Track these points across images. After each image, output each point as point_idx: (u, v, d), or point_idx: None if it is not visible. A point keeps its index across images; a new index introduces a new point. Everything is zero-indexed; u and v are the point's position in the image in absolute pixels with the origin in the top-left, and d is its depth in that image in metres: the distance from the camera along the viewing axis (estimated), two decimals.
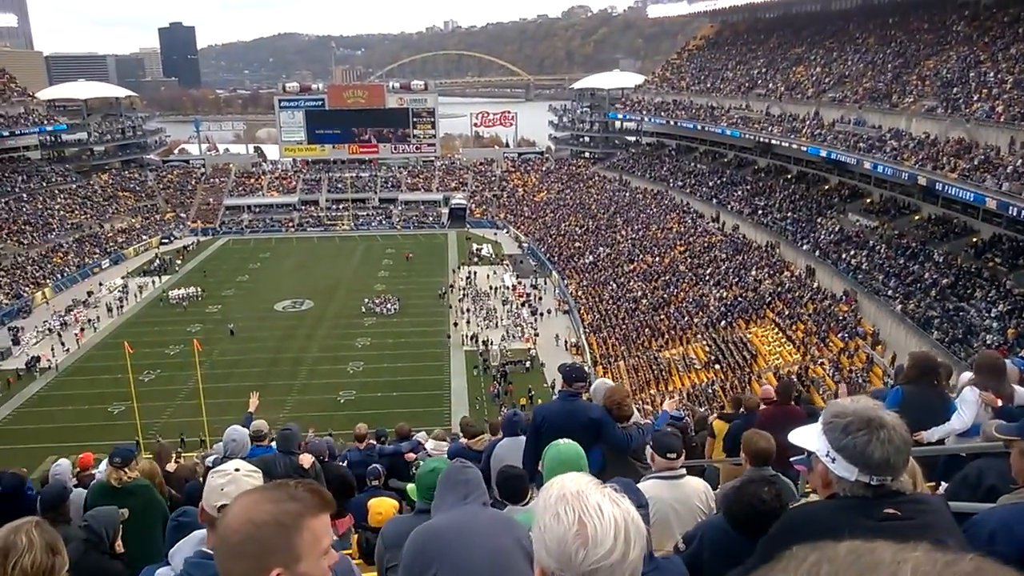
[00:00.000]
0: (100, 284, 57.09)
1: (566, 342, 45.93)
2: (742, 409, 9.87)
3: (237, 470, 2.89)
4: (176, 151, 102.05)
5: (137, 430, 31.23)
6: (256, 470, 2.97)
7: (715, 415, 11.78)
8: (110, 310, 51.94)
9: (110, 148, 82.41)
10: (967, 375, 5.68)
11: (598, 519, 1.36)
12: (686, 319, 43.18)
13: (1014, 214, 29.13)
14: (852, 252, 39.00)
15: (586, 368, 39.85)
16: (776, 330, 37.91)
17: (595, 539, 1.34)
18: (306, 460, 6.52)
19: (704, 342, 40.01)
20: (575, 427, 4.53)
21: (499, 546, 2.62)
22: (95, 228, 67.85)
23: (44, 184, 70.20)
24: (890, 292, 33.73)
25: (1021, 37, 38.30)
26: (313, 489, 1.62)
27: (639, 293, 49.08)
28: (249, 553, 1.50)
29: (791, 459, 4.15)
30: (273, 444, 7.84)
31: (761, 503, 3.38)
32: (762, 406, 9.20)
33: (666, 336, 42.64)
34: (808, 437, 2.22)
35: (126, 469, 5.49)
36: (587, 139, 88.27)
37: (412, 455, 9.52)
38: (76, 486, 6.77)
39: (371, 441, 10.35)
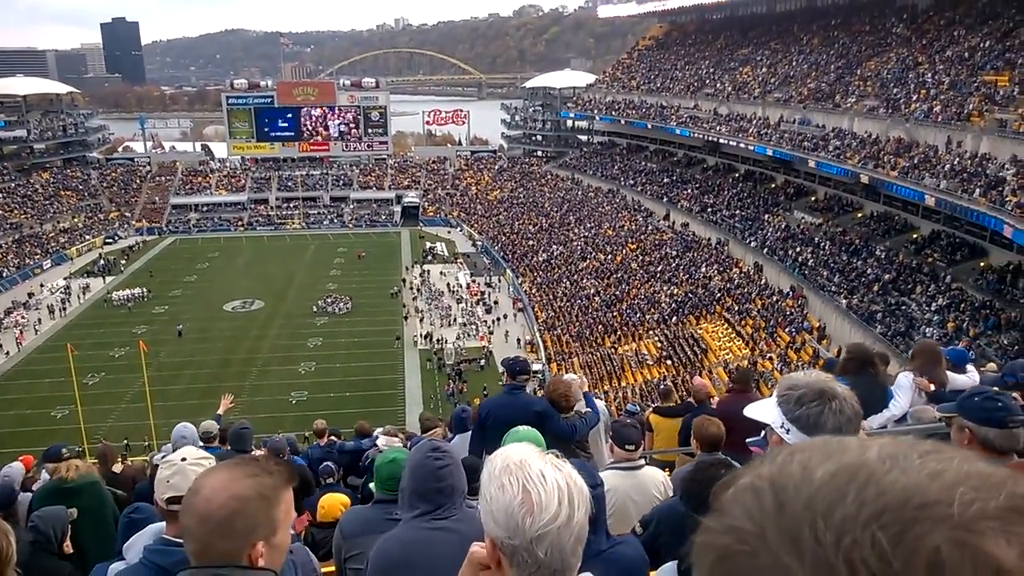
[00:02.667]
0: (41, 285, 55.24)
1: (520, 339, 46.08)
2: (690, 400, 10.02)
3: (183, 459, 2.86)
4: (120, 149, 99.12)
5: (81, 434, 30.27)
6: (208, 456, 2.94)
7: (650, 409, 11.97)
8: (52, 312, 50.30)
9: (51, 146, 79.48)
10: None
11: (542, 486, 1.40)
12: (638, 316, 43.72)
13: (952, 211, 30.29)
14: (798, 249, 39.98)
15: (531, 362, 40.03)
16: (726, 325, 38.65)
17: (540, 505, 1.38)
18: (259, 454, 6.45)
19: (656, 338, 40.56)
20: (519, 420, 4.56)
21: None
22: (36, 228, 65.64)
23: None
24: (834, 288, 34.69)
25: (956, 40, 39.73)
26: (280, 462, 1.67)
27: (592, 290, 49.52)
28: (237, 528, 1.52)
29: (747, 440, 4.27)
30: (223, 445, 7.74)
31: (717, 482, 3.47)
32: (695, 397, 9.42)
33: (619, 332, 43.11)
34: (763, 410, 2.29)
35: (76, 463, 5.37)
36: (539, 138, 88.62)
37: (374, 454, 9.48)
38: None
39: (331, 437, 10.29)
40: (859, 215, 40.46)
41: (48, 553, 4.17)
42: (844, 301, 32.91)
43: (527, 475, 1.42)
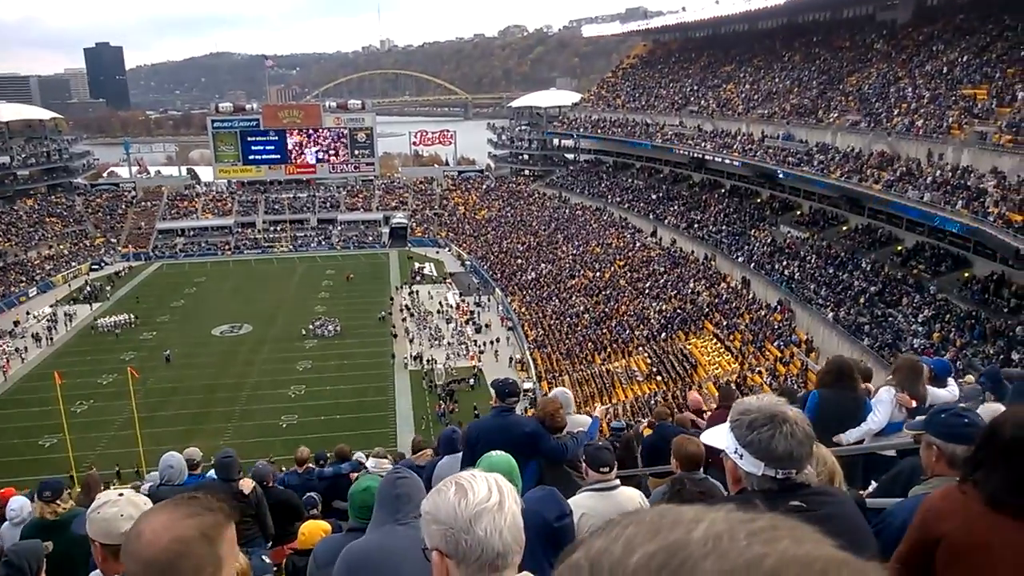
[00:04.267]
0: (27, 313, 54.76)
1: (511, 358, 46.03)
2: (669, 419, 10.00)
3: (121, 495, 2.90)
4: (105, 174, 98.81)
5: (70, 463, 29.98)
6: (143, 497, 2.98)
7: (644, 423, 12.04)
8: (38, 340, 49.81)
9: (34, 172, 78.98)
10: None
11: (471, 479, 1.61)
12: (627, 332, 43.80)
13: (935, 223, 30.61)
14: (785, 263, 40.25)
15: (521, 381, 40.00)
16: (715, 340, 38.77)
17: (472, 489, 1.58)
18: (246, 486, 6.41)
19: (645, 354, 40.62)
20: (510, 441, 4.54)
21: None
22: (20, 255, 65.18)
23: None
24: (821, 301, 34.91)
25: (935, 55, 40.35)
26: (220, 497, 1.67)
27: (581, 308, 49.60)
28: (182, 570, 1.50)
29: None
30: (207, 473, 7.69)
31: (693, 501, 3.47)
32: (681, 414, 9.41)
33: (608, 350, 43.15)
34: (718, 436, 2.31)
35: (58, 501, 5.34)
36: (526, 157, 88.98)
37: (355, 475, 9.39)
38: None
39: (310, 465, 10.17)
40: (844, 228, 40.81)
41: None
42: (831, 314, 33.12)
43: (458, 477, 1.64)
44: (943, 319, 29.06)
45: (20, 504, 5.94)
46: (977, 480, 2.23)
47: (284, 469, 11.58)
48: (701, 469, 4.75)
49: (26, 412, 38.80)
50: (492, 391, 6.03)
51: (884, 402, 5.33)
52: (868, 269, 35.48)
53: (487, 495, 1.56)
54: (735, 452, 2.18)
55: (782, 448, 2.08)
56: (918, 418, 3.95)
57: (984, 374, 7.76)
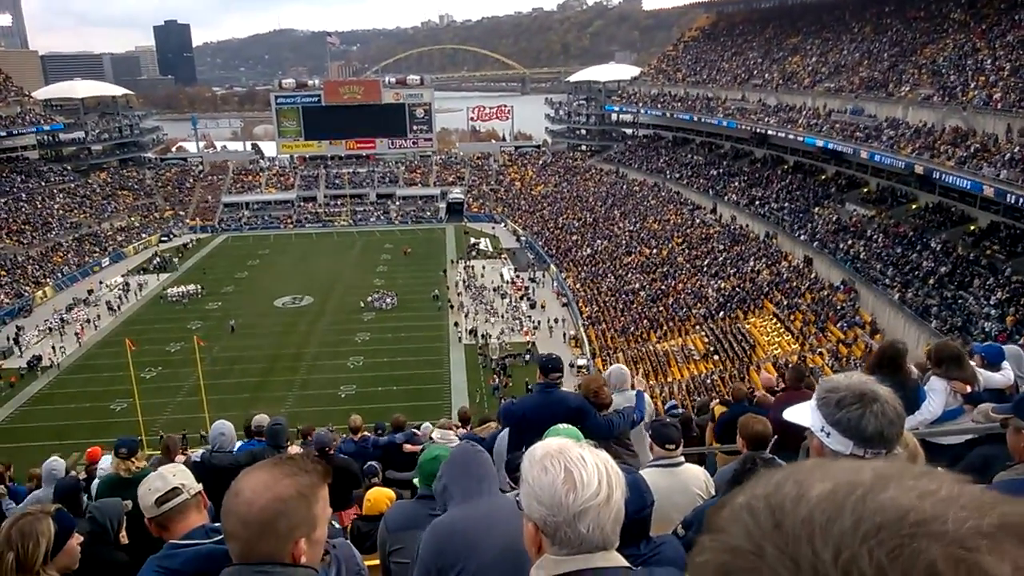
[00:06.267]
0: (100, 282, 57.05)
1: (565, 334, 46.01)
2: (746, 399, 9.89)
3: (157, 471, 3.13)
4: (174, 149, 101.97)
5: (139, 427, 31.29)
6: (176, 468, 3.17)
7: (716, 400, 11.88)
8: (111, 308, 51.94)
9: (107, 147, 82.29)
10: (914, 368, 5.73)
11: (583, 466, 1.51)
12: (684, 310, 43.25)
13: (1012, 201, 29.20)
14: (850, 242, 39.06)
15: (573, 358, 39.92)
16: (774, 320, 38.00)
17: (583, 482, 1.48)
18: (294, 453, 6.57)
19: (703, 333, 40.07)
20: (554, 417, 4.51)
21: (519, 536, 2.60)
22: (94, 227, 67.83)
23: (42, 184, 70.05)
24: (888, 281, 33.81)
25: (1018, 24, 38.26)
26: (315, 460, 1.73)
27: (637, 285, 49.14)
28: (280, 528, 1.56)
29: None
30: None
31: None
32: (757, 394, 9.27)
33: (664, 328, 42.70)
34: (803, 413, 2.24)
35: (133, 459, 5.56)
36: (583, 132, 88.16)
37: (410, 447, 9.53)
38: (85, 479, 6.83)
39: (365, 433, 10.36)
40: (914, 207, 39.33)
41: (104, 543, 4.31)
42: (898, 295, 32.07)
43: (568, 458, 1.53)
44: (1018, 302, 27.82)
45: (109, 462, 6.20)
46: None
47: (341, 437, 11.82)
48: (768, 449, 4.69)
49: (98, 377, 40.63)
50: (538, 367, 6.00)
51: (938, 391, 5.22)
52: (938, 249, 34.16)
53: (596, 490, 1.49)
54: (822, 430, 2.11)
55: (872, 427, 2.01)
56: (997, 405, 3.82)
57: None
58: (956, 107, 35.70)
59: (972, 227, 34.53)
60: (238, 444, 7.28)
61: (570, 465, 1.51)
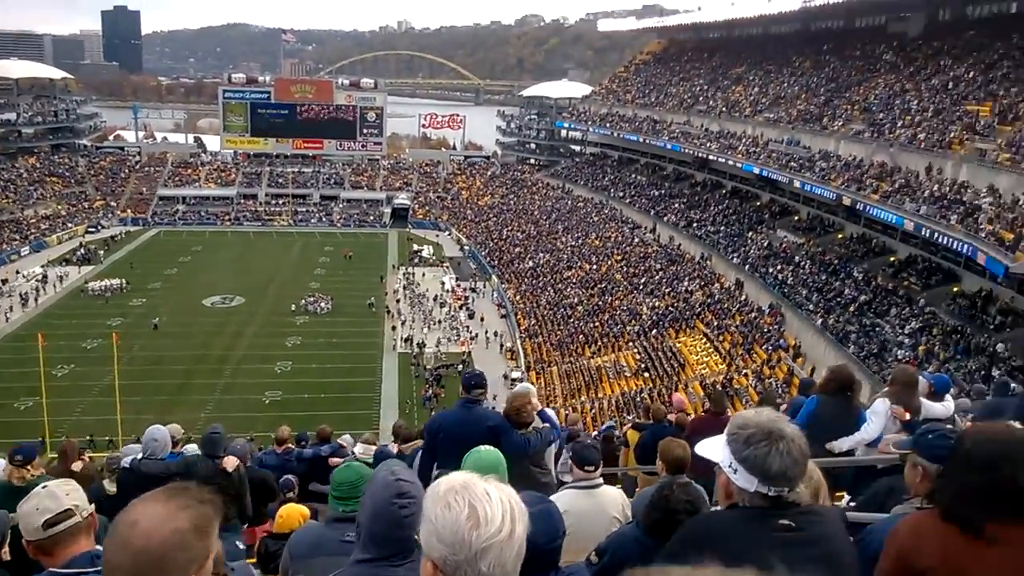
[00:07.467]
0: (17, 272, 54.50)
1: (502, 346, 45.98)
2: (651, 419, 9.96)
3: (44, 487, 2.78)
4: (111, 137, 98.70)
5: (44, 427, 29.84)
6: (67, 487, 2.84)
7: (628, 425, 11.89)
8: (24, 301, 49.51)
9: (39, 131, 78.96)
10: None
11: (487, 502, 1.48)
12: (619, 327, 43.70)
13: (928, 236, 30.43)
14: (779, 267, 40.07)
15: (510, 369, 39.93)
16: (704, 340, 38.65)
17: (486, 519, 1.45)
18: (230, 463, 6.25)
19: (635, 350, 40.53)
20: (473, 435, 4.40)
21: None
22: (16, 213, 65.12)
23: None
24: (812, 307, 34.75)
25: (942, 69, 40.01)
26: (210, 490, 1.66)
27: (575, 300, 49.49)
28: (177, 562, 1.49)
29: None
30: (183, 449, 7.55)
31: (679, 507, 3.36)
32: (670, 416, 9.31)
33: (599, 343, 43.05)
34: (714, 448, 2.27)
35: (28, 467, 5.19)
36: (533, 146, 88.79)
37: (336, 460, 9.18)
38: None
39: (289, 445, 9.99)
40: (839, 236, 40.59)
41: None
42: (820, 321, 32.97)
43: (473, 494, 1.49)
44: (929, 332, 28.88)
45: (1, 468, 5.79)
46: (934, 493, 2.25)
47: (263, 448, 11.43)
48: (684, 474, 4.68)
49: (4, 372, 38.50)
50: (461, 383, 5.96)
51: (879, 413, 5.38)
52: (860, 278, 35.29)
53: (499, 526, 1.45)
54: (729, 466, 2.15)
55: (777, 466, 2.05)
56: (905, 437, 3.94)
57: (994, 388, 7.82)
58: (884, 143, 37.06)
59: (892, 258, 35.77)
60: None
61: (475, 501, 1.48)
